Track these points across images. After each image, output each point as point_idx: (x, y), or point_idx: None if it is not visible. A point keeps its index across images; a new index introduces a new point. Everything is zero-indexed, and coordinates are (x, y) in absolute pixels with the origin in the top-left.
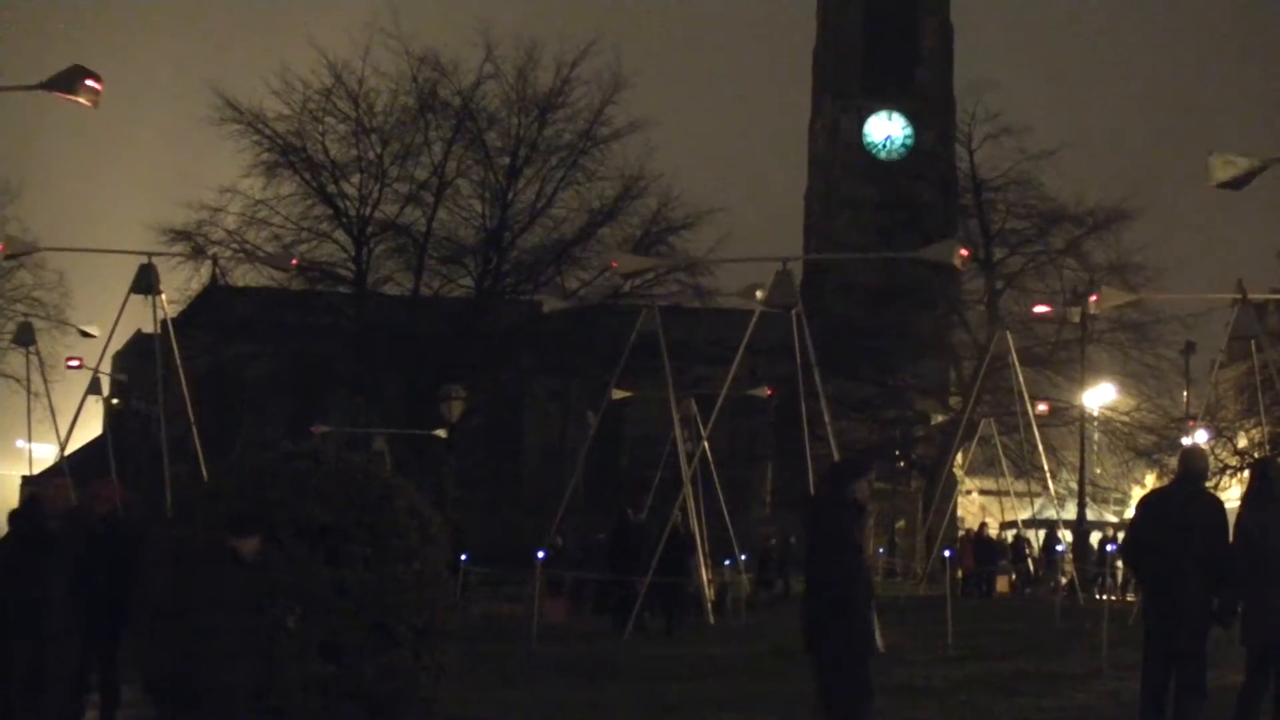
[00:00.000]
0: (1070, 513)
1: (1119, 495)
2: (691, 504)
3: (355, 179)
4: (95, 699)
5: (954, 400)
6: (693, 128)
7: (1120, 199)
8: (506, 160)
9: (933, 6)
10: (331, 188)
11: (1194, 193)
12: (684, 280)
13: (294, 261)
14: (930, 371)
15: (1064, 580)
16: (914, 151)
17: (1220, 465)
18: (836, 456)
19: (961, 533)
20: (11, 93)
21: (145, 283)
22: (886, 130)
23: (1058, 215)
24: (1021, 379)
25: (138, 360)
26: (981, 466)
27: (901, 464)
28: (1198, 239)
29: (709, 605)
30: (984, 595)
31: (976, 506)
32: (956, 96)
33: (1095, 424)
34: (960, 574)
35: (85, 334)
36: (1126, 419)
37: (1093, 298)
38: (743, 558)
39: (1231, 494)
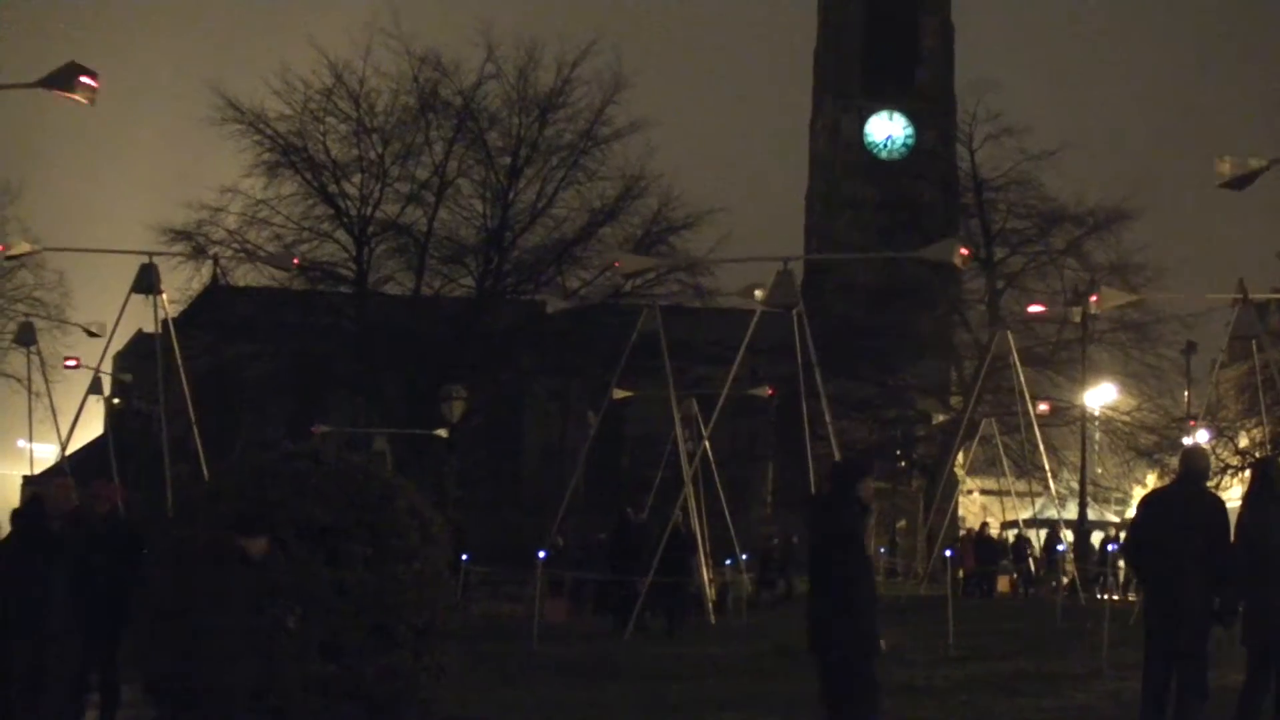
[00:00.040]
0: (1071, 512)
1: (1120, 495)
2: (692, 504)
3: (356, 179)
4: (95, 699)
5: (955, 400)
6: (693, 128)
7: (1121, 199)
8: (507, 160)
9: (933, 6)
10: (332, 187)
11: (1195, 192)
12: (684, 280)
13: (295, 261)
14: (931, 371)
15: (1065, 580)
16: (915, 151)
17: (1221, 465)
18: (837, 456)
19: (962, 532)
20: (12, 93)
21: (146, 282)
22: (887, 130)
23: (1058, 215)
24: (1022, 379)
25: (138, 360)
26: (982, 466)
27: (902, 464)
28: (1198, 239)
29: (710, 605)
30: (985, 595)
31: (977, 506)
32: (957, 96)
33: (1096, 424)
34: (961, 574)
35: (90, 333)
36: (1127, 419)
37: (1093, 298)
38: (743, 557)
39: (1233, 494)
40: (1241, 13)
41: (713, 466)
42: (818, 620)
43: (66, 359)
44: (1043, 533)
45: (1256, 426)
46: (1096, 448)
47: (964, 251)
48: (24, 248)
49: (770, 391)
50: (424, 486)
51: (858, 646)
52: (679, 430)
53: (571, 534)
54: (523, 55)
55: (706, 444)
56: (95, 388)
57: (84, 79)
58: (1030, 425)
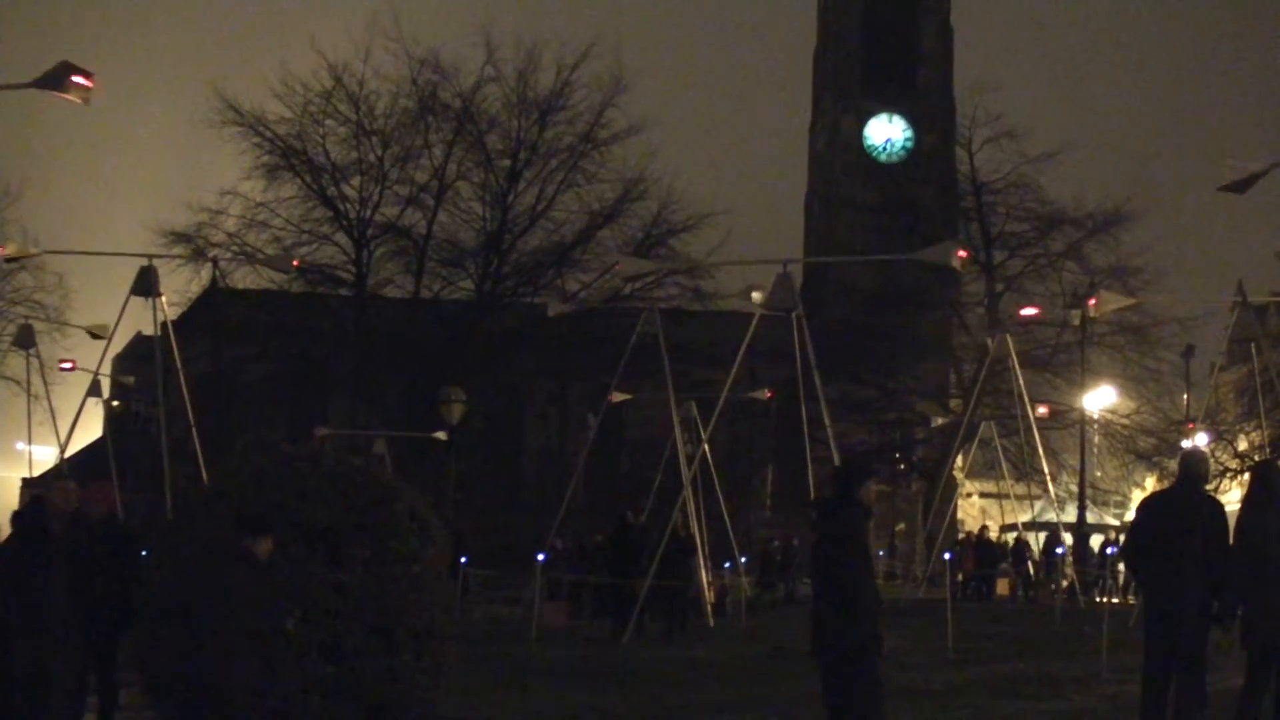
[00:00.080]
0: (1070, 516)
1: (1119, 498)
2: (691, 507)
3: (356, 181)
4: (95, 700)
5: (954, 403)
6: (693, 130)
7: (1120, 202)
8: (507, 163)
9: (933, 8)
10: (332, 190)
11: (1194, 195)
12: (684, 283)
13: (295, 263)
14: (930, 374)
15: (1064, 583)
16: (914, 154)
17: (1220, 468)
18: (836, 459)
19: (962, 535)
20: (11, 95)
21: (145, 285)
22: (887, 133)
23: (1058, 218)
24: (1022, 382)
25: (137, 363)
26: (982, 469)
27: (901, 466)
28: (1198, 241)
29: (709, 608)
30: (984, 598)
31: (977, 509)
32: (957, 98)
33: (1095, 427)
34: (960, 577)
35: (94, 335)
36: (1127, 422)
37: (1091, 301)
38: (743, 560)
39: (1231, 497)
40: (1241, 14)
41: (712, 469)
42: (821, 622)
43: (62, 361)
44: (1042, 536)
45: (1255, 430)
46: (1096, 451)
47: (962, 254)
48: (11, 249)
49: (769, 394)
50: (423, 489)
51: (861, 648)
52: (678, 433)
53: (569, 537)
54: (522, 58)
55: (706, 447)
56: (94, 390)
57: (78, 78)
58: (1029, 428)
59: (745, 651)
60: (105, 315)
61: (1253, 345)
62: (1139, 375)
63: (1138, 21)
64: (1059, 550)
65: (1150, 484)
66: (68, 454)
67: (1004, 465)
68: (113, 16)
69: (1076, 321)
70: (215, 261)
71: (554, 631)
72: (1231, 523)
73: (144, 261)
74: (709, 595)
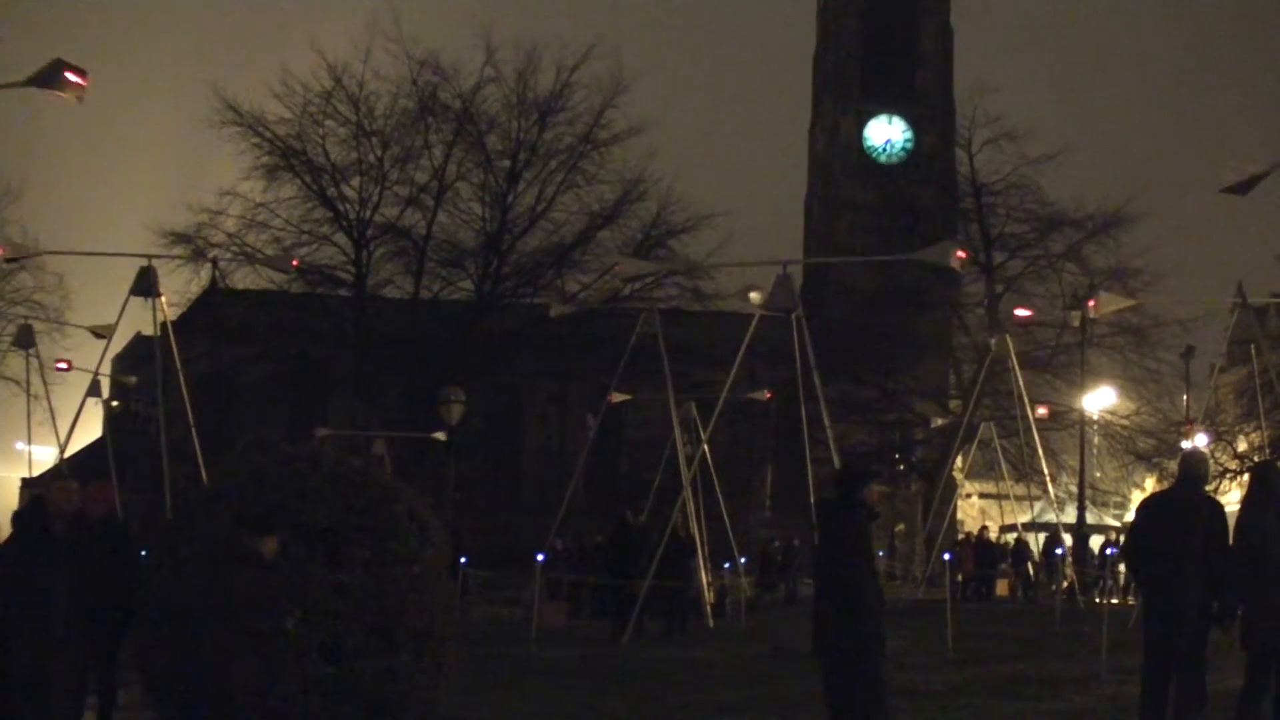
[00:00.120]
0: (1070, 516)
1: (1119, 499)
2: (691, 507)
3: (355, 182)
4: (94, 700)
5: (954, 404)
6: (693, 131)
7: (1121, 203)
8: (507, 163)
9: (932, 9)
10: (332, 191)
11: (1195, 197)
12: (683, 284)
13: (295, 263)
14: (930, 375)
15: (1064, 584)
16: (914, 155)
17: (1220, 469)
18: (836, 460)
19: (961, 536)
20: (9, 95)
21: (145, 285)
22: (886, 134)
23: (1058, 219)
24: (1021, 382)
25: (136, 363)
26: (981, 470)
27: (901, 467)
28: (1198, 243)
29: (709, 609)
30: (983, 599)
31: (976, 510)
32: (956, 100)
33: (1095, 428)
34: (960, 577)
35: (98, 335)
36: (1126, 423)
37: (1091, 302)
38: (742, 561)
39: (1231, 498)
40: (1242, 14)
41: (711, 470)
42: (824, 623)
43: (58, 361)
44: (1041, 536)
45: (1255, 431)
46: (1095, 452)
47: (961, 254)
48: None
49: (769, 395)
50: (423, 489)
51: (863, 648)
52: (678, 433)
53: (569, 537)
54: (522, 59)
55: (705, 447)
56: (94, 390)
57: (72, 76)
58: (1029, 429)
59: (745, 652)
60: (105, 315)
61: (1252, 346)
62: (1139, 376)
63: (1138, 22)
64: (1059, 551)
65: (1150, 485)
66: (67, 454)
67: (1004, 466)
68: (112, 16)
69: (1076, 323)
70: (215, 262)
71: (553, 632)
72: (1231, 523)
73: (144, 261)
74: (709, 596)
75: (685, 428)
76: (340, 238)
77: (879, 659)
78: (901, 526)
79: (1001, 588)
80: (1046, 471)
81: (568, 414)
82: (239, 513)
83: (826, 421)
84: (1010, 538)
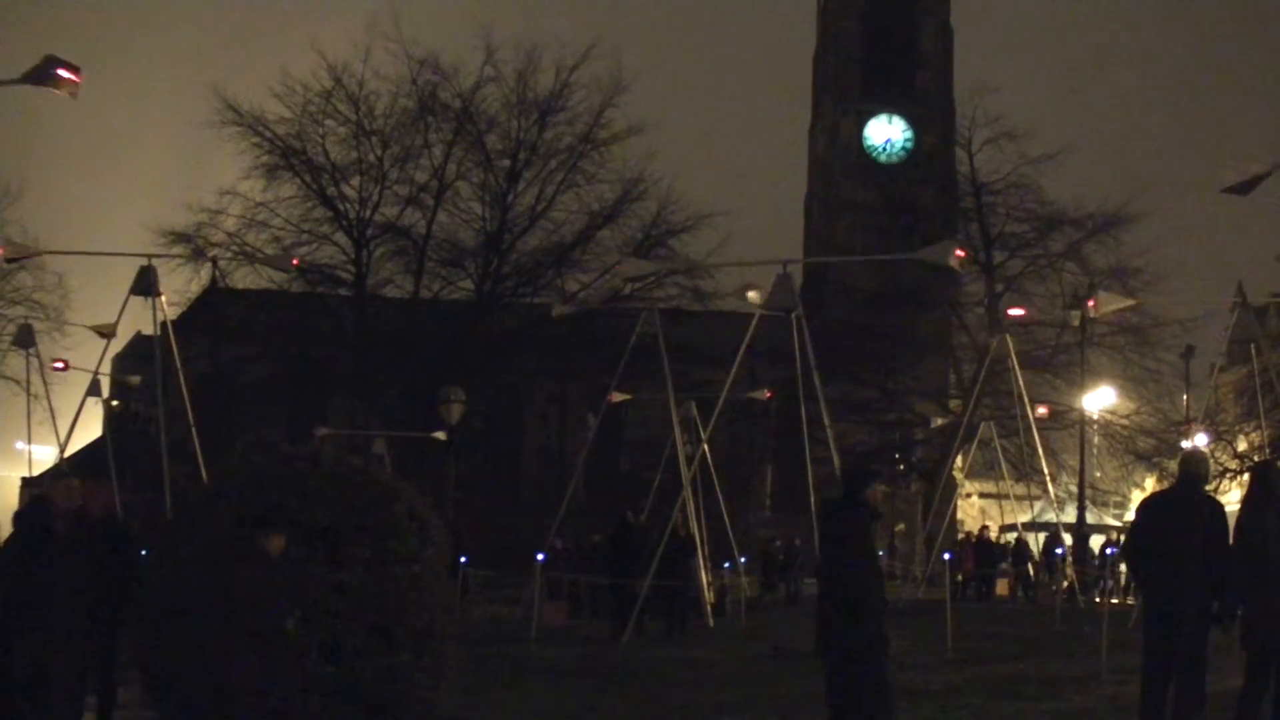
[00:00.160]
0: (1070, 516)
1: (1119, 499)
2: (691, 507)
3: (355, 181)
4: (94, 700)
5: (954, 403)
6: (693, 131)
7: (1121, 203)
8: (506, 163)
9: (932, 9)
10: (331, 190)
11: (1195, 197)
12: (683, 283)
13: (295, 263)
14: (930, 374)
15: (1064, 584)
16: (914, 155)
17: (1220, 469)
18: (836, 460)
19: (961, 536)
20: (9, 94)
21: (145, 285)
22: (886, 134)
23: (1058, 219)
24: (1021, 382)
25: (136, 363)
26: (981, 469)
27: (901, 467)
28: (1198, 242)
29: (709, 608)
30: (983, 598)
31: (976, 510)
32: (956, 100)
33: (1095, 427)
34: (960, 577)
35: (102, 334)
36: (1126, 422)
37: (1090, 302)
38: (742, 560)
39: (1231, 497)
40: (1242, 14)
41: (711, 469)
42: (827, 623)
43: (54, 361)
44: (1041, 536)
45: (1255, 430)
46: (1095, 451)
47: (961, 253)
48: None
49: (769, 394)
50: (423, 489)
51: (866, 648)
52: (678, 433)
53: (569, 536)
54: (522, 58)
55: (705, 447)
56: (94, 390)
57: (64, 73)
58: (1029, 429)
59: (745, 651)
60: (105, 315)
61: (1252, 346)
62: (1139, 376)
63: (1138, 22)
64: (1059, 551)
65: (1150, 484)
66: (67, 453)
67: (1004, 466)
68: (112, 17)
69: (1076, 322)
70: (215, 261)
71: (553, 631)
72: (1231, 523)
73: (144, 261)
74: (709, 595)
75: (685, 427)
76: (340, 237)
77: (883, 659)
78: (902, 526)
79: (1001, 587)
80: (1046, 471)
81: (568, 414)
82: (239, 512)
83: (826, 421)
84: (1010, 537)
